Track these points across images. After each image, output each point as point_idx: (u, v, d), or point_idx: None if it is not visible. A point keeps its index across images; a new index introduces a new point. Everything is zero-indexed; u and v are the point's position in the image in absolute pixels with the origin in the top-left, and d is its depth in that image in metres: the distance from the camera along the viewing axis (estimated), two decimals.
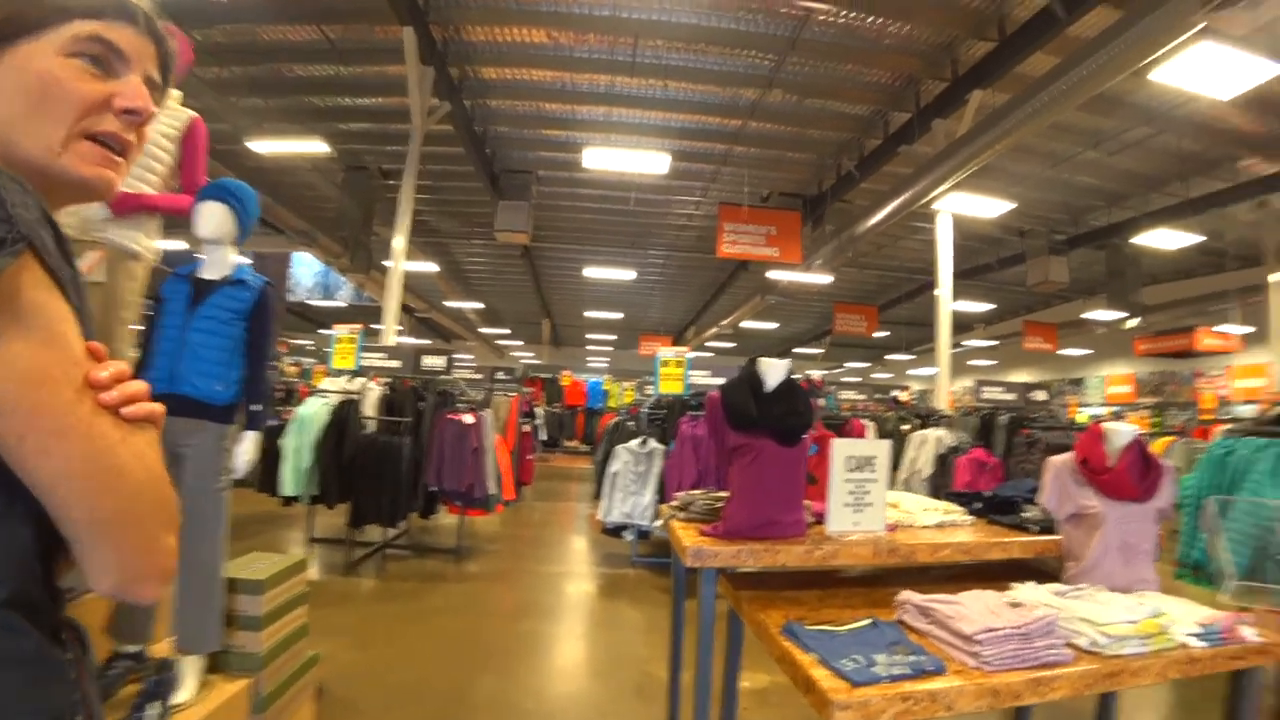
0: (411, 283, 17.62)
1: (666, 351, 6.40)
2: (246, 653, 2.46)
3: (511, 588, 5.27)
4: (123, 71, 0.69)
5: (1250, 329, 15.02)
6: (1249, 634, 1.85)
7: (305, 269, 21.61)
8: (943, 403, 9.08)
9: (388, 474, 5.31)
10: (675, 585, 2.95)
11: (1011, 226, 13.23)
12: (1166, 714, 3.54)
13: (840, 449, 2.26)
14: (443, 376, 5.85)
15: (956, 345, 21.68)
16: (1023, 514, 2.60)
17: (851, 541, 2.23)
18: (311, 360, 18.13)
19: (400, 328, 10.11)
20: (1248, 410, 11.11)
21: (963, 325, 21.59)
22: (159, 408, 0.63)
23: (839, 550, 2.19)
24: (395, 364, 5.85)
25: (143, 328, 2.66)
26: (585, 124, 9.31)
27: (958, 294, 14.98)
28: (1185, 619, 1.85)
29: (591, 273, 14.40)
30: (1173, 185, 11.16)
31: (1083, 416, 15.59)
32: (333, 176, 11.42)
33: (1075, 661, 1.67)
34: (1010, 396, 7.05)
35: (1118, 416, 16.66)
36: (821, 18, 6.84)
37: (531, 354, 30.56)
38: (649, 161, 8.21)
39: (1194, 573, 3.59)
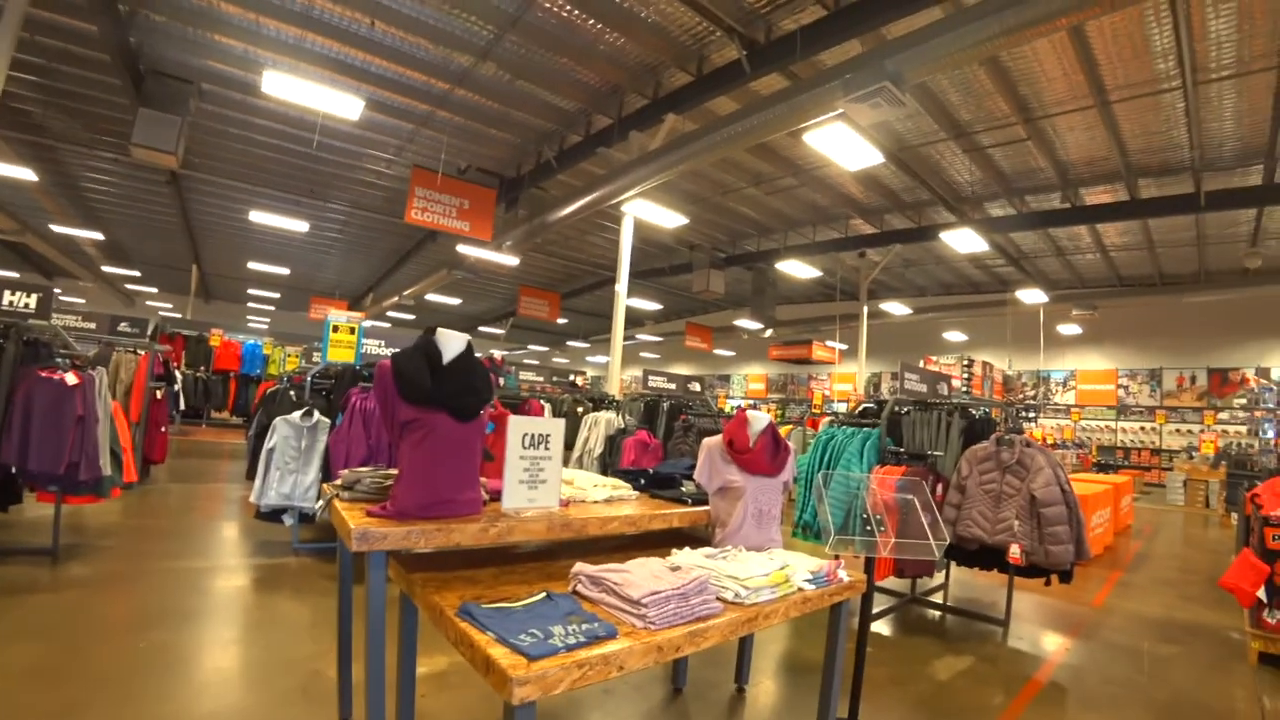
0: None
1: (338, 315, 5.85)
2: None
3: (134, 593, 4.19)
4: None
5: (845, 346, 19.21)
6: (844, 575, 2.32)
7: None
8: (614, 389, 9.81)
9: None
10: (341, 572, 2.71)
11: (684, 239, 14.90)
12: (786, 638, 4.23)
13: (516, 426, 2.27)
14: (32, 321, 4.46)
15: (629, 338, 23.74)
16: (681, 488, 2.90)
17: (527, 518, 2.26)
18: None
19: None
20: (841, 407, 14.10)
21: (635, 320, 23.71)
22: None
23: (514, 527, 2.20)
24: None
25: None
26: (270, 42, 8.01)
27: (633, 292, 16.42)
28: (801, 568, 2.25)
29: (258, 218, 12.49)
30: (805, 228, 13.77)
31: (729, 407, 18.26)
32: None
33: (723, 612, 1.92)
34: (672, 386, 7.90)
35: (754, 408, 19.98)
36: (546, 4, 6.86)
37: (170, 305, 25.71)
38: (339, 103, 7.32)
39: (804, 531, 4.47)
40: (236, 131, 10.83)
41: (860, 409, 5.18)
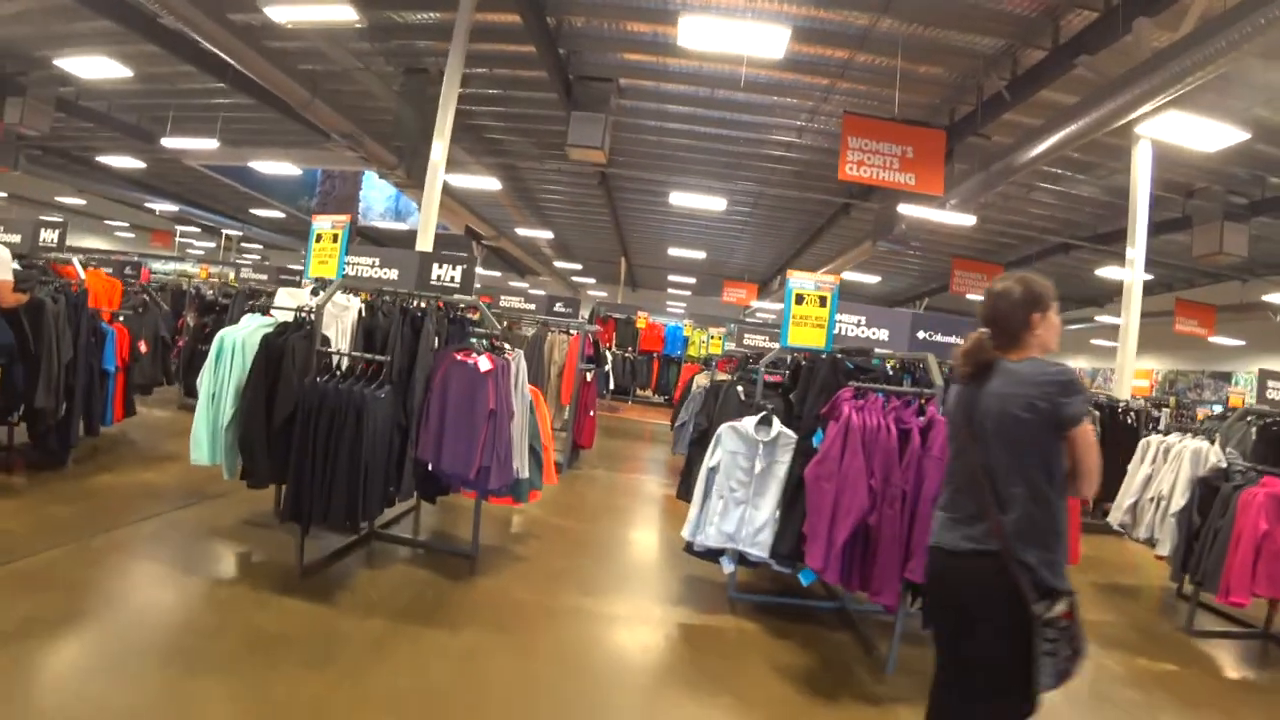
0: (478, 207, 16.29)
1: (802, 281, 4.04)
2: None
3: (541, 633, 3.44)
4: None
5: None
6: None
7: (377, 192, 20.80)
8: (1125, 390, 7.08)
9: (345, 444, 3.30)
10: None
11: (1175, 183, 10.78)
12: None
13: None
14: (459, 297, 4.00)
15: (1089, 320, 19.05)
16: None
17: None
18: None
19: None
20: None
21: (1089, 299, 18.80)
22: None
23: None
24: (390, 274, 4.06)
25: None
26: (679, 18, 7.53)
27: (1097, 261, 12.96)
28: None
29: (677, 199, 12.81)
30: None
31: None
32: (391, 81, 10.27)
33: None
34: None
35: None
36: None
37: (605, 294, 29.36)
38: (761, 38, 6.10)
39: None
40: (652, 124, 11.23)
41: None
